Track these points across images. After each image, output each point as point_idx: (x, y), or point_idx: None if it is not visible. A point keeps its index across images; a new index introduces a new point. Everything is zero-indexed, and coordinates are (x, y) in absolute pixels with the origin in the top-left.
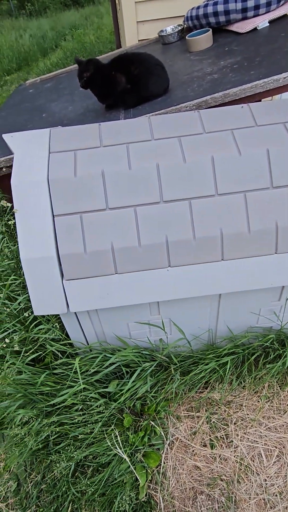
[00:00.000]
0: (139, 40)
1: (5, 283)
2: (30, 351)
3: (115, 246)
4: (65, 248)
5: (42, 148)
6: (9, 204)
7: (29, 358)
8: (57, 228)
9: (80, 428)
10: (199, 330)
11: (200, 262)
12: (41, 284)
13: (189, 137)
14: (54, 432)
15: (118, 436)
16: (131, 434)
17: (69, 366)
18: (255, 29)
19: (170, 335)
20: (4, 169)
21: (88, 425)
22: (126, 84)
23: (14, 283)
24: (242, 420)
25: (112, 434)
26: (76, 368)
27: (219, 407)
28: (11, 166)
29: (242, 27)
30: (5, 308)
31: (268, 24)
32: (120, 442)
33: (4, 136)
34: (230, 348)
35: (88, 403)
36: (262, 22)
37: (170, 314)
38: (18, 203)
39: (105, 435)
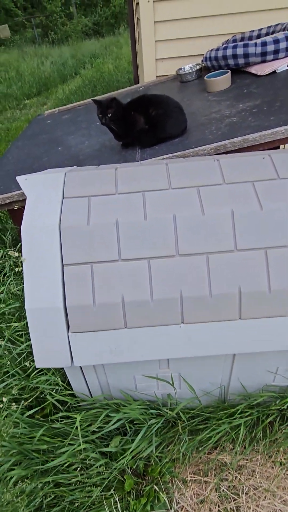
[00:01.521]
0: (157, 76)
1: (9, 324)
2: (29, 400)
3: (126, 299)
4: (73, 299)
5: (56, 193)
6: (17, 254)
7: (29, 412)
8: (66, 278)
9: (77, 491)
10: (211, 386)
11: (216, 320)
12: (45, 336)
13: (208, 188)
14: (49, 494)
15: (118, 502)
16: (132, 500)
17: (70, 420)
18: (274, 72)
19: (179, 389)
20: (18, 203)
21: (86, 488)
22: (144, 124)
23: (18, 325)
24: (254, 489)
25: (112, 500)
26: (77, 425)
27: (229, 472)
28: (24, 200)
29: (261, 69)
30: (6, 352)
31: (287, 67)
32: (120, 509)
33: (18, 178)
34: (243, 408)
35: (87, 462)
36: (281, 65)
37: (180, 369)
38: (27, 249)
39: (104, 501)
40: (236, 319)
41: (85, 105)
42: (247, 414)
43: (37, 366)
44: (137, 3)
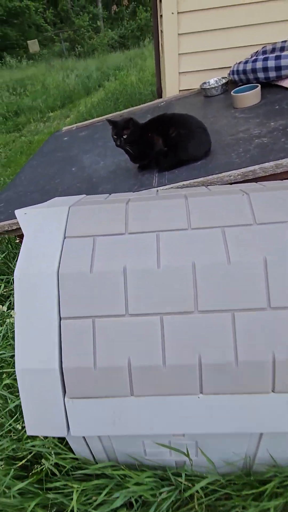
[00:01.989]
0: (180, 91)
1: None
2: (24, 460)
3: (133, 362)
4: (70, 360)
5: (57, 231)
6: (4, 309)
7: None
8: (63, 334)
9: None
10: (233, 456)
11: (242, 392)
12: (38, 400)
13: (236, 229)
14: None
15: None
16: None
17: (67, 490)
18: None
19: (196, 458)
20: None
21: None
22: (162, 146)
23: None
24: None
25: None
26: (74, 503)
27: None
28: None
29: None
30: None
31: None
32: None
33: (17, 212)
34: (274, 485)
35: None
36: None
37: (197, 437)
38: (20, 299)
39: None
40: (268, 392)
41: (103, 121)
42: (278, 494)
43: (28, 434)
44: (161, 16)
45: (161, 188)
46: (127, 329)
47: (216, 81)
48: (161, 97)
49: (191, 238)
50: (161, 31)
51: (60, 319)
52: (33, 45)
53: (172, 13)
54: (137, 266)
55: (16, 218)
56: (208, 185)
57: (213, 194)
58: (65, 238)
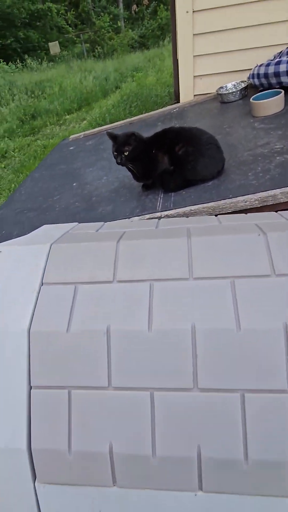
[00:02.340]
0: (195, 95)
1: None
2: None
3: (115, 449)
4: (40, 440)
5: (33, 276)
6: None
7: None
8: (33, 407)
9: None
10: None
11: (254, 494)
12: (3, 484)
13: (249, 281)
14: None
15: None
16: None
17: None
18: None
19: None
20: None
21: None
22: (168, 165)
23: None
24: None
25: None
26: None
27: None
28: None
29: None
30: None
31: None
32: None
33: None
34: None
35: None
36: None
37: None
38: None
39: None
40: (285, 496)
41: (112, 128)
42: None
43: None
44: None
45: (165, 213)
46: (109, 405)
47: (234, 85)
48: (178, 99)
49: (193, 292)
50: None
51: (30, 388)
52: (54, 47)
53: (187, 12)
54: (123, 326)
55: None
56: (219, 212)
57: (222, 231)
58: (42, 284)
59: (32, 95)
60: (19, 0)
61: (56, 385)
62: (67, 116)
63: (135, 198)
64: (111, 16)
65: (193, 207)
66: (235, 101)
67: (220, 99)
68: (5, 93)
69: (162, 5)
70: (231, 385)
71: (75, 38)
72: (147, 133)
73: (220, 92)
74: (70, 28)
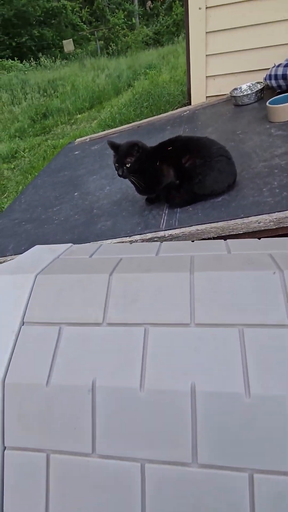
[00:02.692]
0: (207, 97)
1: None
2: None
3: None
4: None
5: (12, 315)
6: None
7: None
8: (5, 471)
9: None
10: None
11: None
12: None
13: (261, 331)
14: None
15: None
16: None
17: None
18: None
19: None
20: None
21: None
22: (174, 178)
23: None
24: None
25: None
26: None
27: None
28: None
29: None
30: None
31: None
32: None
33: None
34: None
35: None
36: None
37: None
38: None
39: None
40: None
41: (119, 132)
42: None
43: None
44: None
45: (169, 232)
46: (93, 476)
47: (249, 87)
48: (190, 99)
49: (194, 342)
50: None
51: (4, 448)
52: (68, 45)
53: (200, 8)
54: (111, 382)
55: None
56: (229, 234)
57: (231, 264)
58: (23, 324)
59: (45, 93)
60: None
61: (33, 447)
62: (78, 116)
63: (138, 213)
64: (126, 12)
65: (200, 227)
66: (250, 104)
67: (234, 101)
68: (18, 92)
69: (177, 1)
70: (237, 463)
71: (90, 36)
72: (155, 138)
73: (234, 94)
74: (85, 26)
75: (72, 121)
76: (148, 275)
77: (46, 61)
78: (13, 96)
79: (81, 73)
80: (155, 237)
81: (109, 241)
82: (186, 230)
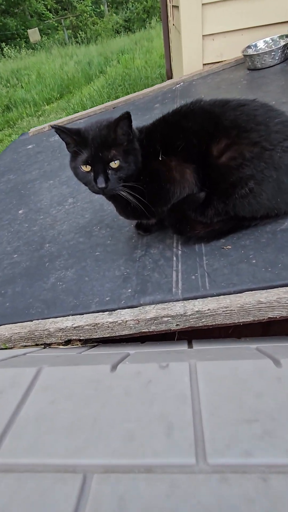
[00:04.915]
0: (204, 65)
1: None
2: None
3: None
4: None
5: None
6: None
7: None
8: None
9: None
10: None
11: None
12: None
13: None
14: None
15: None
16: None
17: None
18: None
19: None
20: None
21: None
22: (195, 187)
23: None
24: None
25: None
26: None
27: None
28: None
29: None
30: None
31: None
32: None
33: None
34: None
35: None
36: None
37: None
38: None
39: None
40: None
41: (87, 116)
42: None
43: None
44: None
45: (190, 306)
46: None
47: (269, 42)
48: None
49: None
50: (173, 6)
51: None
52: (34, 34)
53: None
54: None
55: None
56: None
57: None
58: None
59: (8, 84)
60: None
61: None
62: (47, 107)
63: (124, 252)
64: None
65: (253, 297)
66: (273, 66)
67: (249, 63)
68: None
69: None
70: None
71: (56, 25)
72: (139, 122)
73: (248, 54)
74: (51, 14)
75: (39, 113)
76: None
77: (10, 51)
78: None
79: (47, 61)
80: (165, 316)
81: (69, 320)
82: (233, 301)
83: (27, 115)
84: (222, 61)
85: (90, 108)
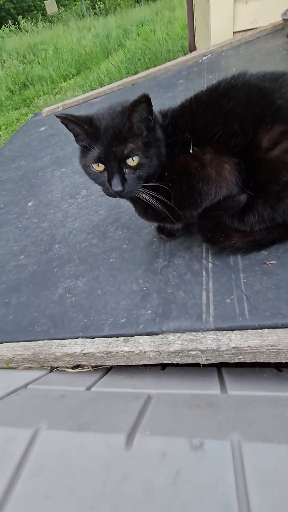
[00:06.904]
0: (235, 33)
1: None
2: None
3: None
4: None
5: None
6: None
7: None
8: None
9: None
10: None
11: None
12: None
13: None
14: None
15: None
16: None
17: None
18: None
19: None
20: None
21: None
22: (235, 187)
23: None
24: None
25: None
26: None
27: None
28: None
29: None
30: None
31: None
32: None
33: None
34: None
35: None
36: None
37: None
38: None
39: None
40: None
41: (105, 93)
42: None
43: None
44: None
45: (230, 341)
46: None
47: None
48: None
49: None
50: None
51: None
52: (51, 6)
53: None
54: None
55: None
56: None
57: None
58: None
59: (24, 60)
60: None
61: None
62: (64, 83)
63: (144, 260)
64: None
65: None
66: None
67: None
68: None
69: None
70: None
71: None
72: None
73: None
74: None
75: (56, 91)
76: None
77: (27, 24)
78: None
79: (64, 34)
80: (193, 349)
81: (78, 344)
82: (282, 338)
83: (44, 93)
84: (256, 28)
85: (106, 84)
